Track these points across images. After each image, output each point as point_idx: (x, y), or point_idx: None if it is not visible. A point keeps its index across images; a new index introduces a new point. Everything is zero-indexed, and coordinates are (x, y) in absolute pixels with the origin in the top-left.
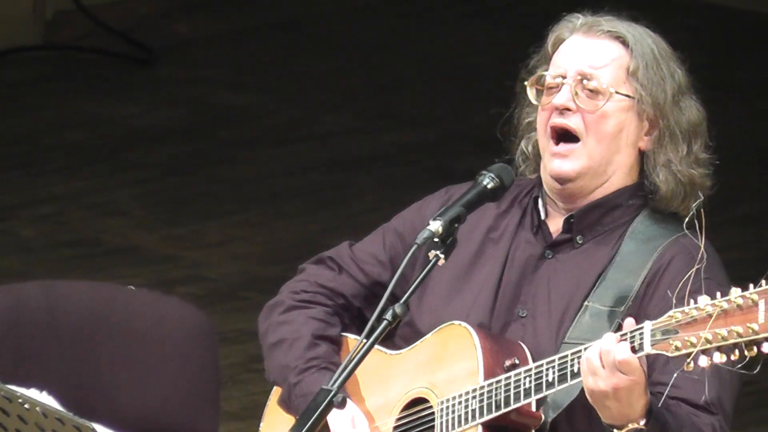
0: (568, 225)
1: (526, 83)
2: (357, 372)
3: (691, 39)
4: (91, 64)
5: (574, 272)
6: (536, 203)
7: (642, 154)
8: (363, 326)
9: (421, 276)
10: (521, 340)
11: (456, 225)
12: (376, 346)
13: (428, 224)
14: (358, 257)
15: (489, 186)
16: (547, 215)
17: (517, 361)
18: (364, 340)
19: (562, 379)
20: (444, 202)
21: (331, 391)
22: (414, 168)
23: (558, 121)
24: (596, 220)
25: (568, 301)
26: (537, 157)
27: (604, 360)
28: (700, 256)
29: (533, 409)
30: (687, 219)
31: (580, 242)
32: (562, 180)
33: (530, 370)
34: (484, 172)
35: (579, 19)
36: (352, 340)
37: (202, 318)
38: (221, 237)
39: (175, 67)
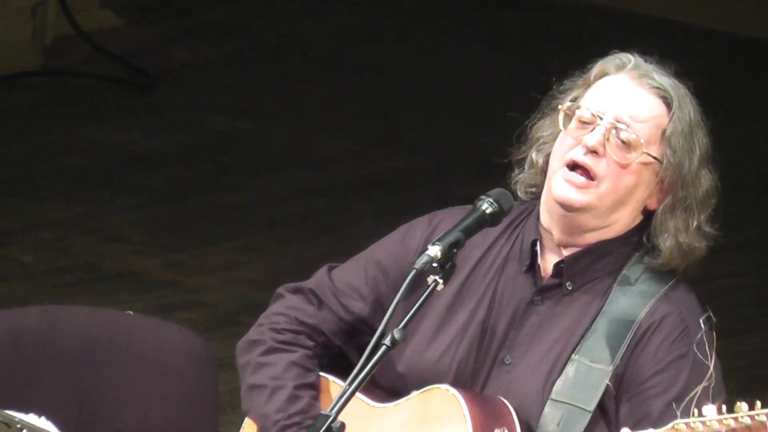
0: (558, 270)
1: (560, 107)
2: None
3: (693, 63)
4: (91, 89)
5: (563, 322)
6: (533, 245)
7: (646, 212)
8: (342, 364)
9: (419, 303)
10: (506, 389)
11: (455, 250)
12: (358, 395)
13: (427, 249)
14: (339, 290)
15: (488, 211)
16: (541, 256)
17: (506, 431)
18: (360, 371)
19: None
20: (429, 233)
21: (329, 416)
22: (414, 193)
23: (582, 159)
24: (587, 266)
25: (557, 353)
26: (544, 172)
27: None
28: (708, 375)
29: None
30: (698, 337)
31: (569, 288)
32: (567, 207)
33: None
34: (482, 197)
35: (631, 62)
36: (332, 383)
37: (202, 343)
38: (221, 262)
39: (175, 92)
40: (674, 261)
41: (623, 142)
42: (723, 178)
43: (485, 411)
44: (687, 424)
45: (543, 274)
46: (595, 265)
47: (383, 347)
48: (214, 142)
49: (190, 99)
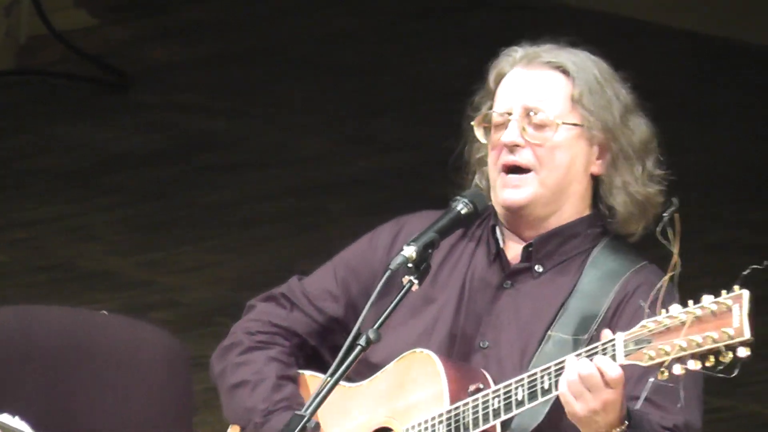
0: (527, 254)
1: (472, 123)
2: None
3: (668, 66)
4: (66, 89)
5: (535, 302)
6: (493, 232)
7: (595, 179)
8: (319, 365)
9: (394, 303)
10: (485, 368)
11: (430, 251)
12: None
13: (402, 249)
14: (310, 293)
15: (462, 212)
16: (504, 243)
17: (481, 386)
18: (334, 371)
19: (533, 396)
20: (396, 232)
21: (303, 416)
22: (391, 193)
23: (509, 159)
24: (555, 248)
25: (531, 331)
26: (490, 190)
27: (588, 383)
28: (672, 263)
29: None
30: (660, 225)
31: (539, 271)
32: (513, 208)
33: (498, 390)
34: (457, 197)
35: (518, 52)
36: (310, 377)
37: (176, 343)
38: (196, 262)
39: (151, 91)
40: (633, 218)
41: (538, 125)
42: (698, 179)
43: (460, 370)
44: (655, 321)
45: (510, 260)
46: (562, 247)
47: (358, 347)
48: (190, 142)
49: (166, 98)
